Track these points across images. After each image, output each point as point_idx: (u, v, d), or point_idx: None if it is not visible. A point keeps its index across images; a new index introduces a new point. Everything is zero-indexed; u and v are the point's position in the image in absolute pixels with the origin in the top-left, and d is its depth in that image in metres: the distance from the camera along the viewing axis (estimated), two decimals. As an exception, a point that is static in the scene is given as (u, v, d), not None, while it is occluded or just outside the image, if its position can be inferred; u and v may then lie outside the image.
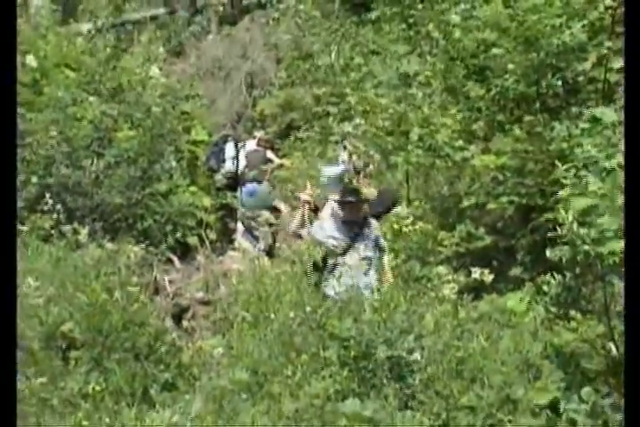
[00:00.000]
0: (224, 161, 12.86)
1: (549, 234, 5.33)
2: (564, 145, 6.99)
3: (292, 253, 9.23)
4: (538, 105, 8.65)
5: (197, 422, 5.66)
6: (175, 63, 17.65)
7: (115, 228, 10.27)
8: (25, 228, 8.87)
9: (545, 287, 5.99)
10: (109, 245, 8.61)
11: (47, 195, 9.35)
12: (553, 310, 6.05)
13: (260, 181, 12.46)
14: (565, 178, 5.57)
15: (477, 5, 9.34)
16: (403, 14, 15.66)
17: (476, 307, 7.02)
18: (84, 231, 8.23)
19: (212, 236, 10.95)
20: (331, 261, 7.65)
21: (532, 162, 8.49)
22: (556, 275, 5.82)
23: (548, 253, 5.52)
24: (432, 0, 13.85)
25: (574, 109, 8.45)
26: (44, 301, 6.93)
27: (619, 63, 7.85)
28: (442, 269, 7.07)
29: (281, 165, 13.44)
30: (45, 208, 9.20)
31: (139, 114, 11.45)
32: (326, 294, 7.24)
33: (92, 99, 11.54)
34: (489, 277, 6.67)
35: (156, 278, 9.17)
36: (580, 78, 8.61)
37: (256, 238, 11.80)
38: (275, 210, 11.96)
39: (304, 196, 8.26)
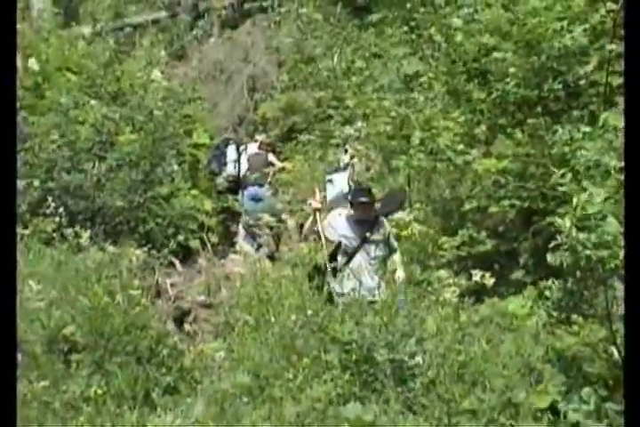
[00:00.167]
0: (226, 164, 12.87)
1: (551, 243, 5.33)
2: (566, 149, 6.98)
3: (294, 256, 9.26)
4: (539, 108, 8.65)
5: (199, 426, 5.66)
6: (177, 67, 17.64)
7: (116, 231, 10.25)
8: (27, 231, 8.86)
9: (547, 291, 5.99)
10: (111, 249, 8.61)
11: (49, 198, 9.33)
12: (554, 313, 6.05)
13: (261, 185, 12.47)
14: (562, 185, 5.58)
15: (480, 9, 9.33)
16: (404, 17, 15.67)
17: (477, 310, 7.03)
18: (86, 235, 8.23)
19: (214, 239, 10.94)
20: (342, 260, 7.73)
21: (533, 165, 8.49)
22: (557, 279, 5.82)
23: (549, 257, 5.52)
24: (434, 4, 13.86)
25: (576, 113, 8.45)
26: (45, 304, 6.93)
27: (620, 66, 7.85)
28: (443, 272, 7.07)
29: (282, 169, 13.45)
30: (48, 211, 9.19)
31: (140, 117, 11.45)
32: (336, 291, 7.27)
33: (93, 102, 11.54)
34: (490, 281, 6.68)
35: (157, 282, 9.15)
36: (582, 82, 8.60)
37: (258, 242, 11.80)
38: (279, 219, 11.94)
39: (315, 203, 8.40)
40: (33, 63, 11.83)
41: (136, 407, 6.01)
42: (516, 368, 5.84)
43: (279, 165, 13.44)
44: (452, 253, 8.62)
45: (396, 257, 8.03)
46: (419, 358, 5.88)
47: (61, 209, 9.25)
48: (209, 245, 10.29)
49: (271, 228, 11.53)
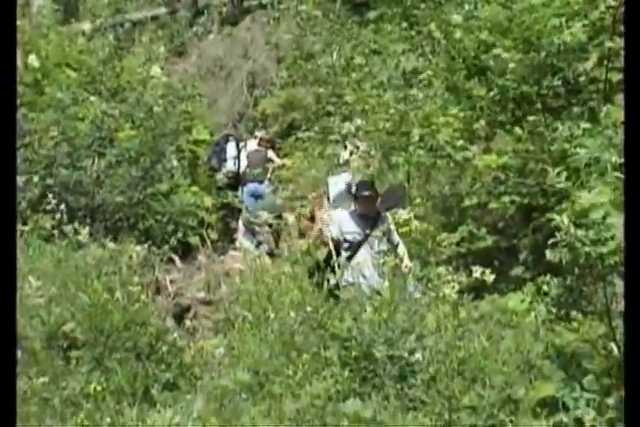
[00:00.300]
0: (225, 161, 12.89)
1: (551, 239, 5.33)
2: (566, 145, 6.98)
3: (294, 253, 9.27)
4: (539, 105, 8.64)
5: (199, 422, 5.67)
6: (176, 63, 17.63)
7: (116, 228, 10.26)
8: (26, 227, 8.87)
9: (545, 288, 5.99)
10: (111, 245, 8.63)
11: (49, 195, 9.33)
12: (554, 310, 6.05)
13: (261, 181, 12.49)
14: (559, 183, 5.57)
15: (480, 6, 9.33)
16: (404, 14, 15.67)
17: (477, 307, 7.02)
18: (85, 231, 8.23)
19: (214, 235, 10.95)
20: (345, 255, 7.75)
21: (533, 161, 8.48)
22: (557, 276, 5.82)
23: (548, 254, 5.52)
24: (434, 0, 13.87)
25: (576, 109, 8.45)
26: (45, 301, 6.93)
27: (620, 63, 7.84)
28: (442, 269, 7.07)
29: (282, 165, 13.45)
30: (47, 208, 9.18)
31: (140, 114, 11.46)
32: (340, 285, 7.27)
33: (93, 98, 11.55)
34: (490, 277, 6.68)
35: (157, 278, 9.16)
36: (582, 78, 8.59)
37: (258, 239, 11.79)
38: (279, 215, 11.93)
39: (323, 215, 8.82)
40: (33, 60, 11.82)
41: (136, 404, 6.01)
42: (515, 365, 5.84)
43: (278, 161, 13.45)
44: (452, 249, 8.62)
45: (401, 249, 8.11)
46: (418, 355, 5.88)
47: (61, 205, 9.24)
48: (208, 242, 10.29)
49: (270, 225, 11.53)
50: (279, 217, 11.77)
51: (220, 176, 12.83)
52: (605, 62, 8.26)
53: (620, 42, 7.83)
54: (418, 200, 9.49)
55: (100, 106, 11.29)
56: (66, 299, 7.05)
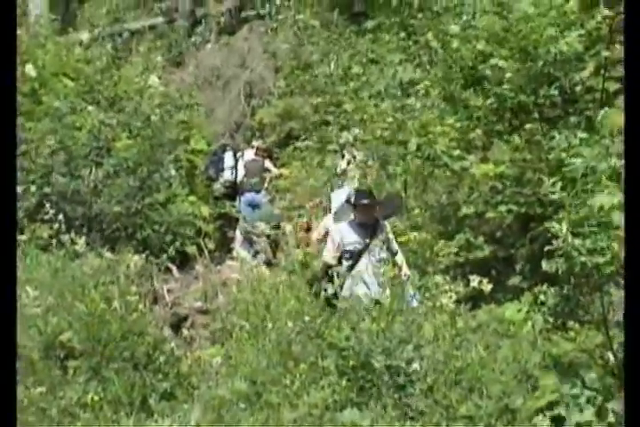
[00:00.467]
0: (223, 170, 12.90)
1: (547, 248, 5.34)
2: (563, 155, 6.99)
3: (291, 262, 9.28)
4: (536, 114, 8.66)
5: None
6: (174, 72, 17.63)
7: (114, 237, 10.25)
8: (24, 237, 8.85)
9: (542, 297, 5.99)
10: (108, 255, 8.61)
11: (46, 204, 9.31)
12: (551, 319, 6.06)
13: (258, 191, 12.49)
14: (554, 193, 5.59)
15: (478, 16, 9.36)
16: (402, 24, 15.71)
17: (474, 316, 7.03)
18: (82, 241, 8.21)
19: (211, 245, 10.95)
20: (347, 264, 7.76)
21: (530, 171, 8.50)
22: (553, 285, 5.82)
23: (544, 264, 5.53)
24: (432, 10, 13.90)
25: (572, 119, 8.47)
26: (42, 310, 6.93)
27: (617, 72, 7.87)
28: (440, 278, 7.07)
29: (279, 175, 13.46)
30: (44, 217, 9.17)
31: (137, 123, 11.45)
32: (341, 296, 7.24)
33: (90, 108, 11.54)
34: (487, 287, 6.68)
35: (154, 288, 9.15)
36: (578, 88, 8.62)
37: (255, 249, 11.79)
38: (276, 225, 11.93)
39: (322, 230, 9.05)
40: (30, 69, 11.82)
41: (133, 413, 6.01)
42: (512, 374, 5.84)
43: (275, 171, 13.46)
44: (450, 258, 8.63)
45: (399, 258, 8.11)
46: (416, 365, 5.88)
47: (58, 215, 9.23)
48: (206, 252, 10.29)
49: (268, 235, 11.53)
50: (277, 227, 11.77)
51: (217, 186, 12.84)
52: (602, 72, 8.29)
53: (616, 51, 7.86)
54: (416, 211, 9.52)
55: (98, 115, 11.28)
56: (63, 309, 7.04)
